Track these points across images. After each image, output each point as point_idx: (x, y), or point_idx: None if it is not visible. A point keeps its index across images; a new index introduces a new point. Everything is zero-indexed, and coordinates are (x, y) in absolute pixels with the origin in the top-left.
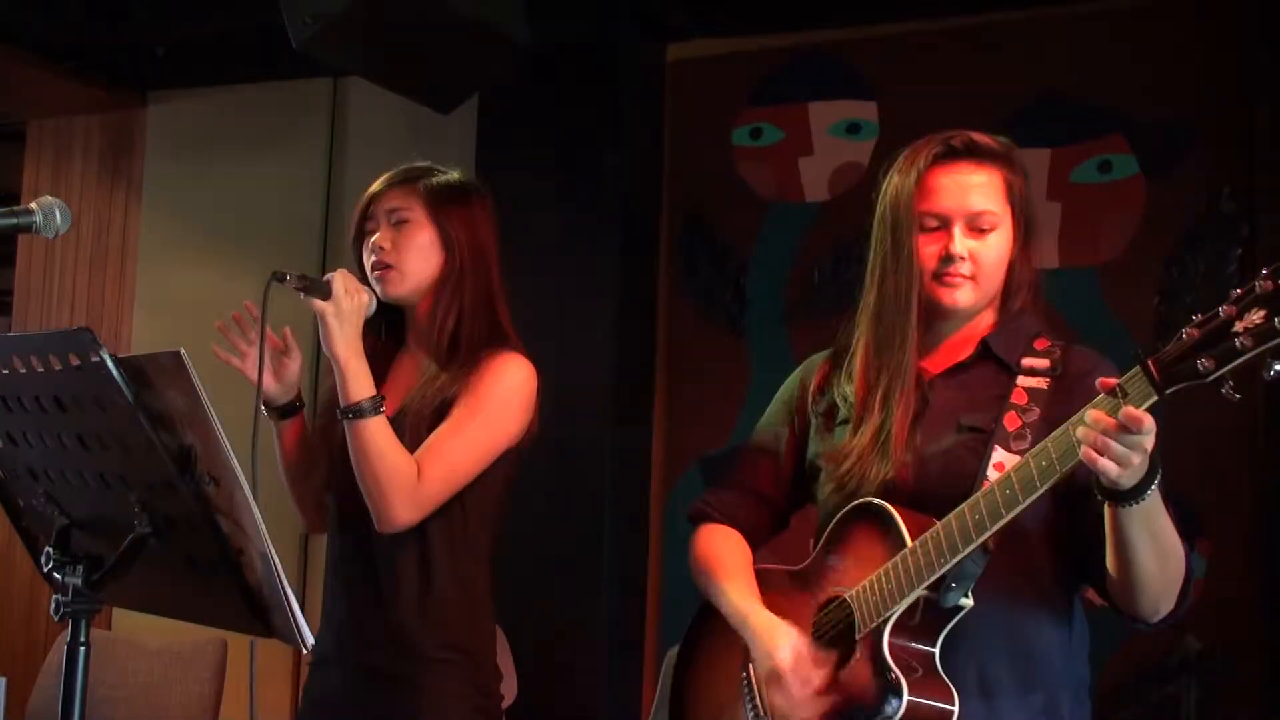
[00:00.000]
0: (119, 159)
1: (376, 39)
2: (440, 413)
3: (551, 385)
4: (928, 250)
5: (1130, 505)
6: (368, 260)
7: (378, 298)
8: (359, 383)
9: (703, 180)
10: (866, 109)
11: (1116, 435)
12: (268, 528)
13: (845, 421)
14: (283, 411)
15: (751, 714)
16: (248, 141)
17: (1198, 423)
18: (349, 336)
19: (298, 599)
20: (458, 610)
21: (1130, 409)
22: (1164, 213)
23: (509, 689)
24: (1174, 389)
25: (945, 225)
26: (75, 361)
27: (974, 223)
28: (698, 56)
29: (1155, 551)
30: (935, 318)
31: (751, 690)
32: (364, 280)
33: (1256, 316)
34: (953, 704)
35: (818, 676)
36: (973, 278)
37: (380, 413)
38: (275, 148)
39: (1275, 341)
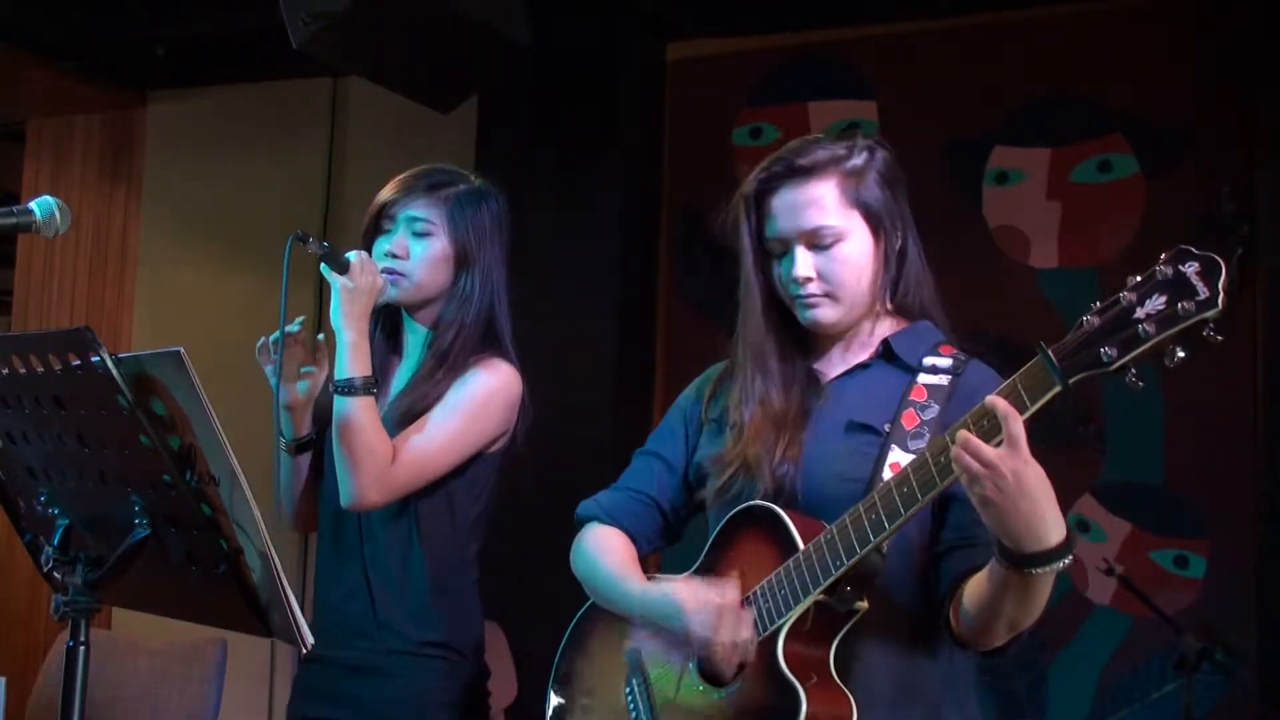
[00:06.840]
0: (119, 159)
1: (376, 39)
2: (423, 411)
3: (552, 385)
4: (779, 276)
5: (1030, 571)
6: (378, 261)
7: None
8: (357, 360)
9: (703, 180)
10: (866, 109)
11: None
12: (268, 528)
13: (735, 426)
14: (300, 445)
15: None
16: (248, 141)
17: (1199, 423)
18: (357, 314)
19: (298, 599)
20: (443, 607)
21: (993, 398)
22: (1164, 212)
23: (508, 689)
24: (1077, 378)
25: (788, 249)
26: (75, 361)
27: (813, 240)
28: (698, 56)
29: (1027, 611)
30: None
31: (639, 674)
32: None
33: (1158, 302)
34: (850, 712)
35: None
36: (828, 295)
37: (371, 393)
38: (275, 148)
39: (1178, 327)
